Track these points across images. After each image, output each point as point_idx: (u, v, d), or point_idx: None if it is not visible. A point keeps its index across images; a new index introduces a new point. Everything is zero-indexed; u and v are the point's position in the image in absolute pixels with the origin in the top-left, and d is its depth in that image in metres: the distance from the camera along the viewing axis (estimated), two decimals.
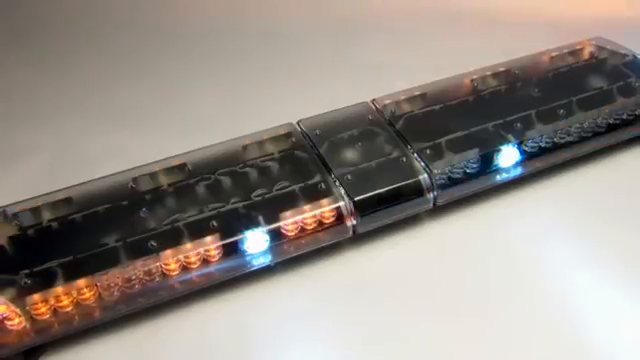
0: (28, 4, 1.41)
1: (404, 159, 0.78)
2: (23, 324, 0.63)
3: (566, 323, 0.67)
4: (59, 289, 0.64)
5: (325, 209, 0.73)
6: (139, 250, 0.68)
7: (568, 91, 0.88)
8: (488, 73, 0.92)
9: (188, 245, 0.69)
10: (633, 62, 0.93)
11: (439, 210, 0.81)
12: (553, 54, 0.96)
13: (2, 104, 1.12)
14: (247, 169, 0.78)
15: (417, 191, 0.76)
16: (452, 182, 0.78)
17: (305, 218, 0.72)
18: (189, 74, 1.18)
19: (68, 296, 0.65)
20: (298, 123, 0.84)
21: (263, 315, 0.70)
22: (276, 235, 0.71)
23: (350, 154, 0.79)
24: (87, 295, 0.65)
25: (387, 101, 0.87)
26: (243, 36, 1.28)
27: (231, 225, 0.71)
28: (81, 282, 0.65)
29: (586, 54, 0.97)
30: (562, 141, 0.83)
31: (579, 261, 0.74)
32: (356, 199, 0.73)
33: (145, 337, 0.69)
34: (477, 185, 0.80)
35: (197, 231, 0.70)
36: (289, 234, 0.72)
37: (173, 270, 0.68)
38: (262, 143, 0.81)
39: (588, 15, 1.26)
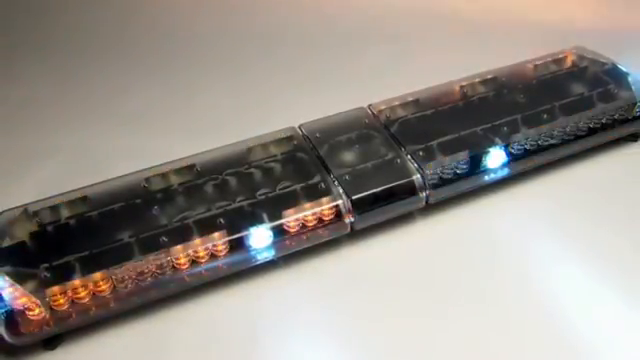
0: (50, 19, 1.41)
1: (398, 160, 0.78)
2: (43, 314, 0.63)
3: (553, 318, 0.67)
4: (76, 282, 0.64)
5: (324, 207, 0.73)
6: (151, 245, 0.68)
7: (551, 97, 0.88)
8: (477, 80, 0.92)
9: (197, 241, 0.69)
10: (612, 70, 0.93)
11: (431, 208, 0.81)
12: (537, 62, 0.96)
13: (25, 110, 1.12)
14: (252, 170, 0.78)
15: (410, 190, 0.76)
16: (443, 182, 0.78)
17: (306, 216, 0.72)
18: (198, 82, 1.18)
19: (85, 288, 0.65)
20: (299, 127, 0.84)
21: (266, 306, 0.70)
22: (279, 231, 0.71)
23: (348, 156, 0.79)
24: (103, 287, 0.65)
25: (383, 106, 0.87)
26: (249, 46, 1.28)
27: (237, 222, 0.71)
28: (97, 275, 0.65)
29: (568, 62, 0.97)
30: (546, 144, 0.83)
31: (564, 258, 0.74)
32: (354, 198, 0.73)
33: (156, 327, 0.69)
34: (467, 185, 0.80)
35: (205, 228, 0.70)
36: (291, 230, 0.72)
37: (183, 264, 0.68)
38: (266, 145, 0.81)
39: (571, 25, 1.26)
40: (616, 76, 0.92)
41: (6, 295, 0.62)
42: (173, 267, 0.68)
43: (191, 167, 0.78)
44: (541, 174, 0.86)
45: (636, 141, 0.92)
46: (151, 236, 0.69)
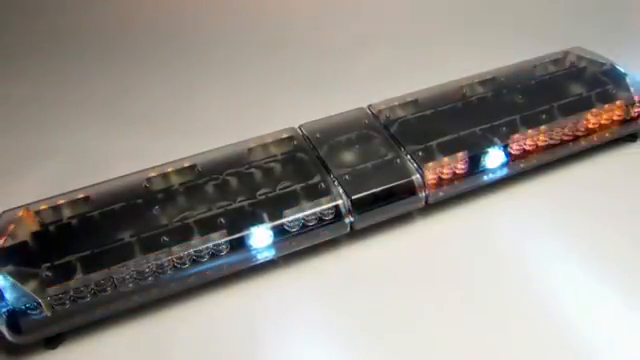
0: (51, 19, 1.41)
1: (398, 160, 0.78)
2: (44, 313, 0.63)
3: (553, 318, 0.66)
4: (78, 281, 0.64)
5: (324, 207, 0.73)
6: (152, 245, 0.68)
7: (550, 97, 0.88)
8: (476, 80, 0.92)
9: (197, 240, 0.69)
10: (610, 70, 0.93)
11: (430, 208, 0.80)
12: (536, 63, 0.96)
13: (27, 109, 1.12)
14: (252, 170, 0.78)
15: (410, 190, 0.76)
16: (442, 182, 0.78)
17: (306, 215, 0.72)
18: (199, 82, 1.18)
19: (86, 288, 0.65)
20: (300, 127, 0.84)
21: (266, 306, 0.70)
22: (279, 231, 0.71)
23: (348, 156, 0.79)
24: (104, 287, 0.65)
25: (382, 106, 0.87)
26: (249, 47, 1.28)
27: (237, 222, 0.71)
28: (98, 274, 0.65)
29: (567, 63, 0.97)
30: (545, 144, 0.83)
31: (564, 258, 0.74)
32: (353, 198, 0.73)
33: (157, 326, 0.69)
34: (466, 185, 0.80)
35: (206, 227, 0.70)
36: (291, 230, 0.72)
37: (183, 264, 0.68)
38: (266, 146, 0.81)
39: (570, 25, 1.25)
40: (614, 76, 0.92)
41: (8, 294, 0.62)
42: (174, 267, 0.68)
43: (192, 167, 0.78)
44: (540, 174, 0.86)
45: (634, 141, 0.92)
46: (152, 236, 0.69)
